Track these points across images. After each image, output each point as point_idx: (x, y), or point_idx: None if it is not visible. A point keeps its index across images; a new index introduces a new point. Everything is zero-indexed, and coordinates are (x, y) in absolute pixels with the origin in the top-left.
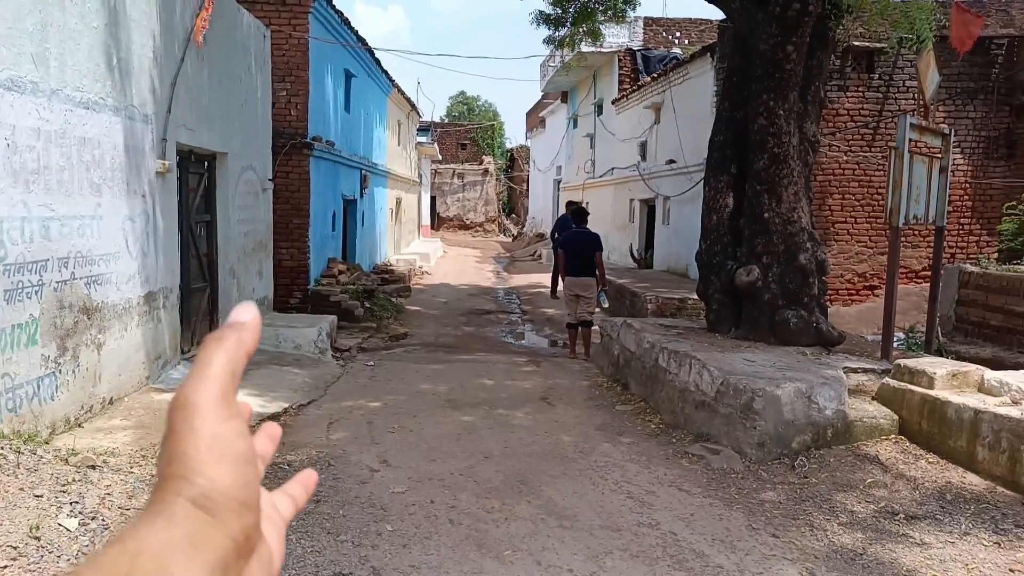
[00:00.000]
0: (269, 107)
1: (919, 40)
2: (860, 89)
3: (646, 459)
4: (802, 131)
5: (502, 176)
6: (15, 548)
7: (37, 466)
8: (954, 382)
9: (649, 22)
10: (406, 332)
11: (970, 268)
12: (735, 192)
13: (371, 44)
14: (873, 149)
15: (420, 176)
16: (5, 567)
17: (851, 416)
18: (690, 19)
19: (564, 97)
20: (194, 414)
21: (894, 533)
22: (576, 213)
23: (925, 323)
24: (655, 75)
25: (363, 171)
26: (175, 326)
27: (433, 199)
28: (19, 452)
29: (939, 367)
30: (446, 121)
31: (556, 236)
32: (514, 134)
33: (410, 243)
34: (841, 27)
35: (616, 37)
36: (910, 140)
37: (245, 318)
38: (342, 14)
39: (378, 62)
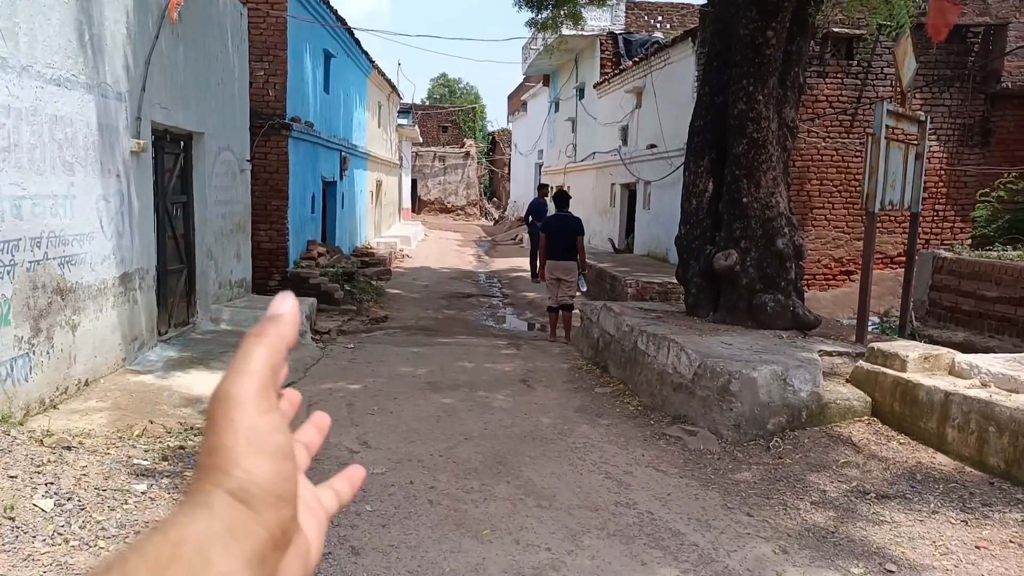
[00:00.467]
0: (246, 87)
1: (897, 27)
2: (839, 75)
3: (624, 440)
4: (781, 116)
5: (483, 159)
6: None
7: (11, 447)
8: (926, 365)
9: (631, 6)
10: (386, 315)
11: (944, 254)
12: (715, 177)
13: (351, 24)
14: (851, 135)
15: (401, 159)
16: None
17: (825, 398)
18: (672, 3)
19: (546, 80)
20: (233, 407)
21: (865, 512)
22: (558, 197)
23: (899, 307)
24: (636, 59)
25: (343, 153)
26: (152, 307)
27: (414, 182)
28: None
29: (911, 350)
30: (427, 103)
31: (530, 219)
32: (496, 117)
33: (391, 226)
34: (821, 13)
35: (598, 21)
36: (887, 127)
37: (283, 310)
38: None
39: (358, 42)
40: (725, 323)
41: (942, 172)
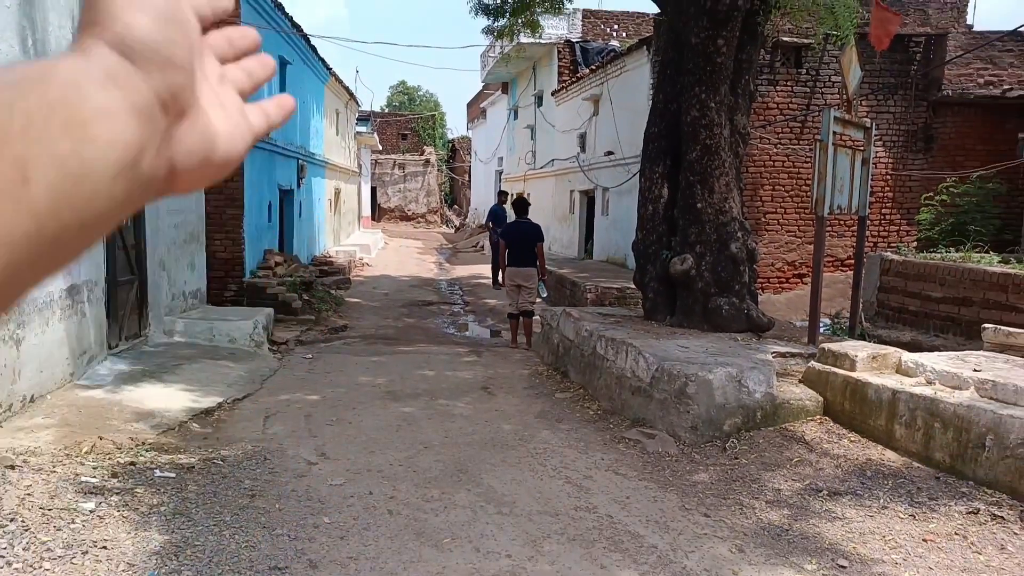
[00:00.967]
0: None
1: (842, 37)
2: (789, 83)
3: (584, 445)
4: (733, 123)
5: (444, 167)
6: None
7: None
8: (874, 364)
9: (587, 14)
10: (346, 324)
11: (891, 256)
12: (670, 183)
13: (307, 31)
14: (801, 142)
15: (360, 166)
16: None
17: (779, 399)
18: (627, 12)
19: (505, 88)
20: None
21: (818, 509)
22: (517, 204)
23: (850, 309)
24: (593, 67)
25: (300, 161)
26: (101, 320)
27: (374, 190)
28: None
29: (860, 350)
30: (386, 111)
31: (491, 225)
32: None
33: (350, 234)
34: (770, 23)
35: (555, 29)
36: (834, 133)
37: None
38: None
39: (314, 50)
40: (682, 326)
41: (888, 177)
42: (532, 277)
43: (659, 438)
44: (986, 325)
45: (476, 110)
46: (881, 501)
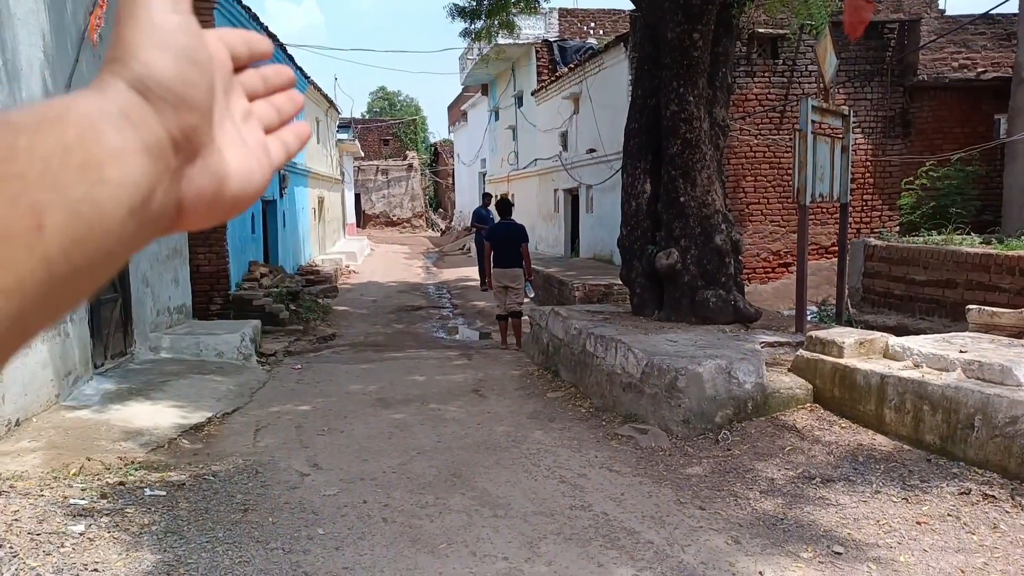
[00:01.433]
0: None
1: (817, 26)
2: (766, 75)
3: (577, 443)
4: (712, 116)
5: (427, 171)
6: None
7: None
8: (861, 350)
9: (564, 13)
10: (334, 333)
11: (874, 242)
12: (652, 178)
13: (284, 40)
14: (781, 132)
15: (343, 174)
16: None
17: (769, 388)
18: (604, 10)
19: (485, 90)
20: (136, 2)
21: (811, 496)
22: (501, 205)
23: (835, 296)
24: (572, 66)
25: (281, 171)
26: (85, 340)
27: (358, 196)
28: None
29: (847, 336)
30: (367, 117)
31: (476, 226)
32: (437, 128)
33: (335, 242)
34: (744, 14)
35: (532, 29)
36: (813, 122)
37: None
38: (250, 9)
39: (292, 58)
40: (670, 321)
41: (868, 163)
42: (518, 278)
43: (652, 433)
44: (970, 306)
45: (457, 113)
46: (874, 486)
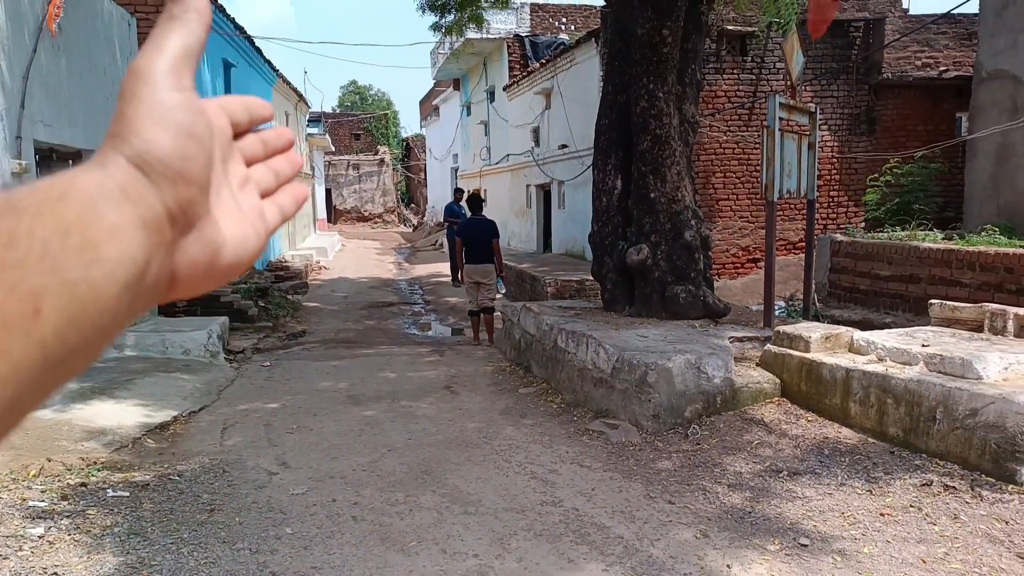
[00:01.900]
0: None
1: (784, 24)
2: (735, 72)
3: (548, 439)
4: (681, 112)
5: (399, 166)
6: None
7: None
8: (827, 344)
9: (535, 8)
10: (304, 329)
11: (840, 238)
12: (623, 174)
13: (253, 33)
14: (750, 128)
15: (313, 168)
16: None
17: (738, 383)
18: (575, 5)
19: (457, 85)
20: (140, 80)
21: (778, 490)
22: (471, 200)
23: (803, 291)
24: (543, 61)
25: None
26: None
27: (328, 192)
28: None
29: (814, 331)
30: (338, 111)
31: (447, 223)
32: (409, 123)
33: (306, 238)
34: (713, 11)
35: (503, 24)
36: (780, 119)
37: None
38: (217, 1)
39: (259, 51)
40: (640, 316)
41: (834, 160)
42: (490, 274)
43: (622, 428)
44: (932, 301)
45: (429, 107)
46: (839, 478)
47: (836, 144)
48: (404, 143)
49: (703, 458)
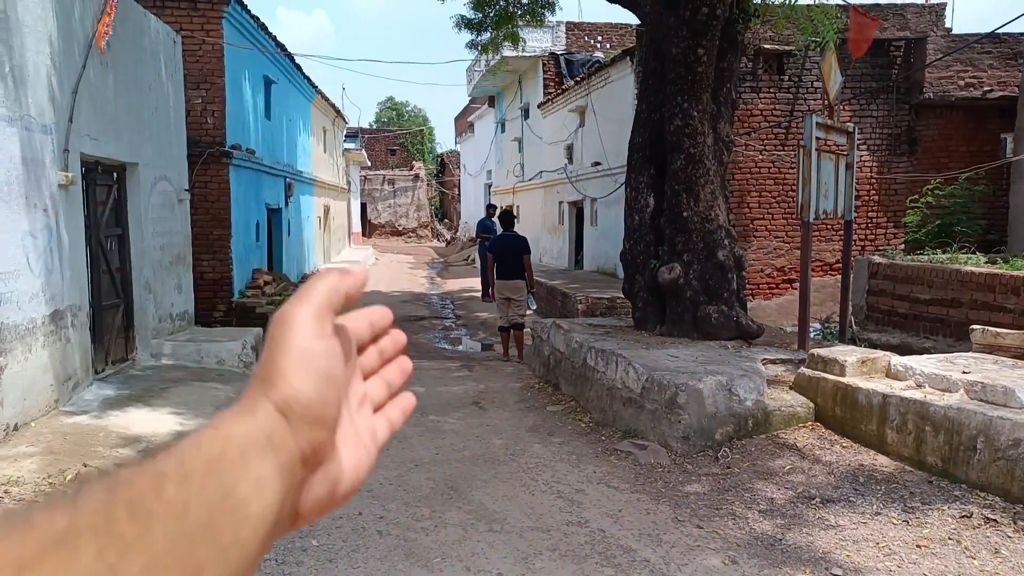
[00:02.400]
0: (183, 115)
1: (822, 43)
2: (772, 90)
3: (576, 458)
4: (716, 131)
5: (433, 181)
6: None
7: None
8: (864, 369)
9: (571, 27)
10: None
11: (878, 259)
12: (655, 192)
13: (294, 50)
14: (786, 148)
15: (349, 183)
16: None
17: (770, 406)
18: (611, 24)
19: (491, 102)
20: (288, 328)
21: (811, 517)
22: (503, 216)
23: (839, 313)
24: (578, 79)
25: (287, 179)
26: (86, 345)
27: (364, 206)
28: None
29: (849, 355)
30: (375, 127)
31: (479, 238)
32: (444, 139)
33: (340, 251)
34: (749, 30)
35: (539, 42)
36: (817, 139)
37: (354, 270)
38: (258, 19)
39: (299, 68)
40: (671, 336)
41: (873, 180)
42: (520, 290)
43: (651, 449)
44: (974, 326)
45: (464, 124)
46: (874, 507)
47: (876, 164)
48: (439, 159)
49: (733, 482)
